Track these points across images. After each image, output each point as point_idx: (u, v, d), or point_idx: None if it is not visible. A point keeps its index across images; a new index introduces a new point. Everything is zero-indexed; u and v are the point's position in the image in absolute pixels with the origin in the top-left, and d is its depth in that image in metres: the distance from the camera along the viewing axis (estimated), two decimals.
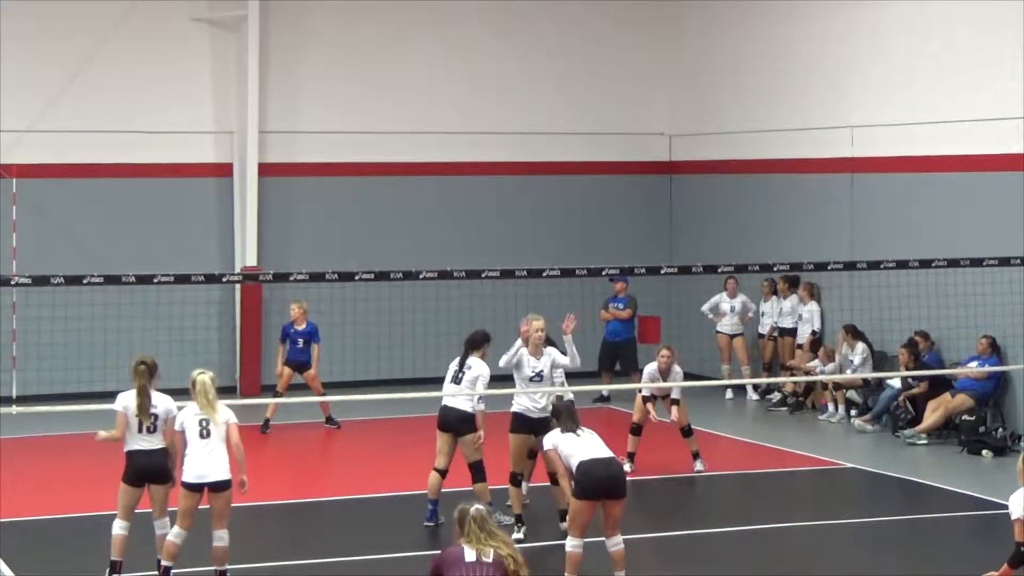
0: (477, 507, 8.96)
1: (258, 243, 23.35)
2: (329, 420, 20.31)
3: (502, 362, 14.31)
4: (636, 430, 17.24)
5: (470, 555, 8.74)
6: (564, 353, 14.38)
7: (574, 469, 12.12)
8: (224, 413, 12.17)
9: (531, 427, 14.12)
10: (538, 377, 14.27)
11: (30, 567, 13.21)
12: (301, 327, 20.06)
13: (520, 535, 13.85)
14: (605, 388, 21.93)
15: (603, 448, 12.22)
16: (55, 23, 22.64)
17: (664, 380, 17.11)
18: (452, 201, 24.52)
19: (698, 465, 17.23)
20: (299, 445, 19.69)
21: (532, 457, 14.57)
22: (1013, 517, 10.90)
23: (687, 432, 17.30)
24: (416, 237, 24.01)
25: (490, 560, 8.73)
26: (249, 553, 13.20)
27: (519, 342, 14.32)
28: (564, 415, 12.58)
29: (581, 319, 14.91)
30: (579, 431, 12.33)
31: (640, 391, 17.34)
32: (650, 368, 17.29)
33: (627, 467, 16.52)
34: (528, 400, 14.20)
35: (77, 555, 13.61)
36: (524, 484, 14.62)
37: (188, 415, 12.17)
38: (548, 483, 14.00)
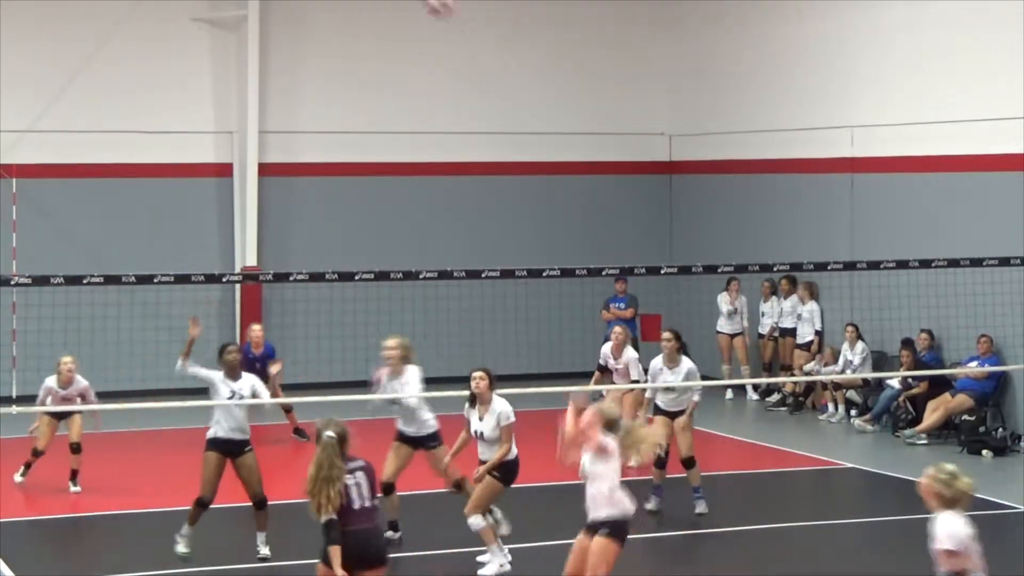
0: None
1: (258, 243, 23.35)
2: (297, 431, 19.40)
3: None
4: (658, 462, 14.87)
5: None
6: (411, 384, 14.01)
7: None
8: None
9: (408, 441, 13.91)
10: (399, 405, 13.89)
11: (30, 567, 13.21)
12: (258, 351, 19.46)
13: (505, 530, 13.37)
14: (606, 388, 21.82)
15: None
16: (55, 23, 22.65)
17: (669, 368, 16.00)
18: (452, 201, 24.51)
19: (699, 507, 15.14)
20: (296, 445, 19.65)
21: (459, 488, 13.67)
22: (940, 548, 8.45)
23: (689, 464, 15.08)
24: (416, 237, 24.01)
25: None
26: (248, 553, 13.26)
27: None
28: None
29: (582, 318, 14.86)
30: None
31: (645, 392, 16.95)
32: (654, 364, 15.74)
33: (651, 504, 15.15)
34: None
35: (77, 555, 13.60)
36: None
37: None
38: (536, 484, 13.92)
